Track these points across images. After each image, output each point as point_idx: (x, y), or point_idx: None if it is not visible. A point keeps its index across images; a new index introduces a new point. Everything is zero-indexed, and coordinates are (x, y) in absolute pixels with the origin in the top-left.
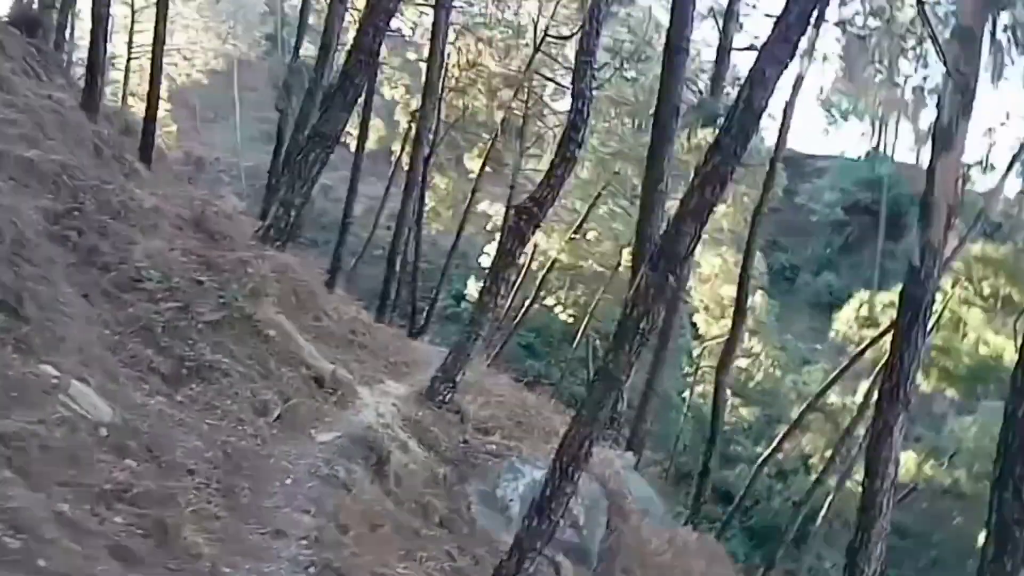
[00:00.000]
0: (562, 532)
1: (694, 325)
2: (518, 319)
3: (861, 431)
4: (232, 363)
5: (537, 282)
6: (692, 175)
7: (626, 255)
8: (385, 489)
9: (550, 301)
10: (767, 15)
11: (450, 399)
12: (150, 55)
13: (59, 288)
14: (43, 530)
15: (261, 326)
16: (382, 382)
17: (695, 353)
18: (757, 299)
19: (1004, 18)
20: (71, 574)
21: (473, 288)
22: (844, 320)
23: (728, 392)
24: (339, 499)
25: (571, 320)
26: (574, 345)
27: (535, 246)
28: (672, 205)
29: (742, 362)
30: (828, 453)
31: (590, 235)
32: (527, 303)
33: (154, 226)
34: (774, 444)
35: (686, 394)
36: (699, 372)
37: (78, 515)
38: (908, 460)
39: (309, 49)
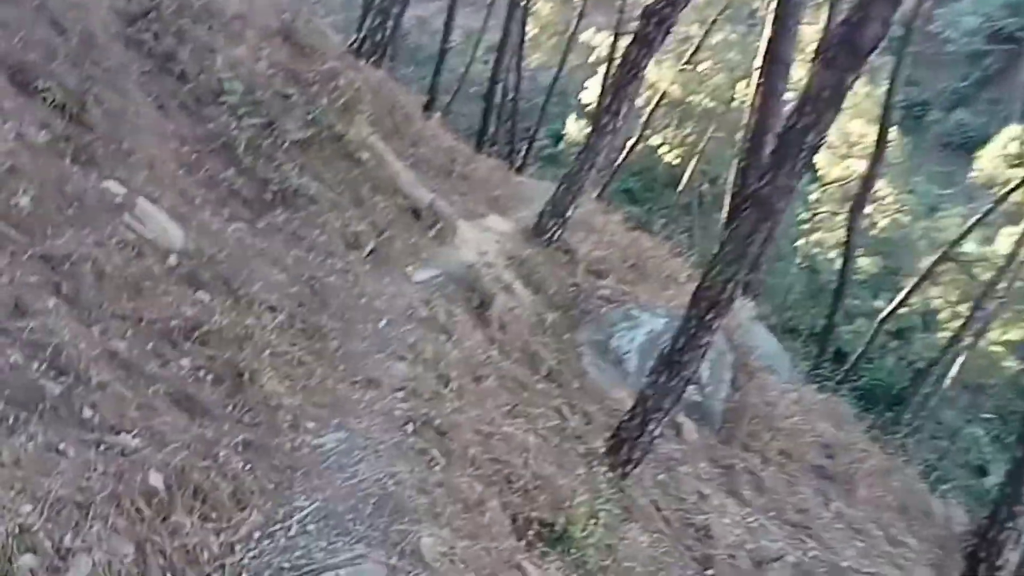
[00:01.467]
0: None
1: (812, 167)
2: (620, 160)
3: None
4: (321, 188)
5: (643, 119)
6: None
7: (740, 88)
8: (488, 335)
9: (655, 140)
10: None
11: (559, 236)
12: None
13: (130, 96)
14: (92, 372)
15: (353, 148)
16: (484, 216)
17: (812, 197)
18: (890, 136)
19: None
20: (122, 427)
21: (573, 127)
22: (989, 158)
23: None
24: (438, 345)
25: (677, 162)
26: (679, 190)
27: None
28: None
29: (866, 207)
30: (960, 308)
31: (702, 67)
32: (631, 143)
33: (238, 34)
34: (900, 298)
35: (800, 243)
36: (816, 218)
37: (136, 355)
38: None
39: None
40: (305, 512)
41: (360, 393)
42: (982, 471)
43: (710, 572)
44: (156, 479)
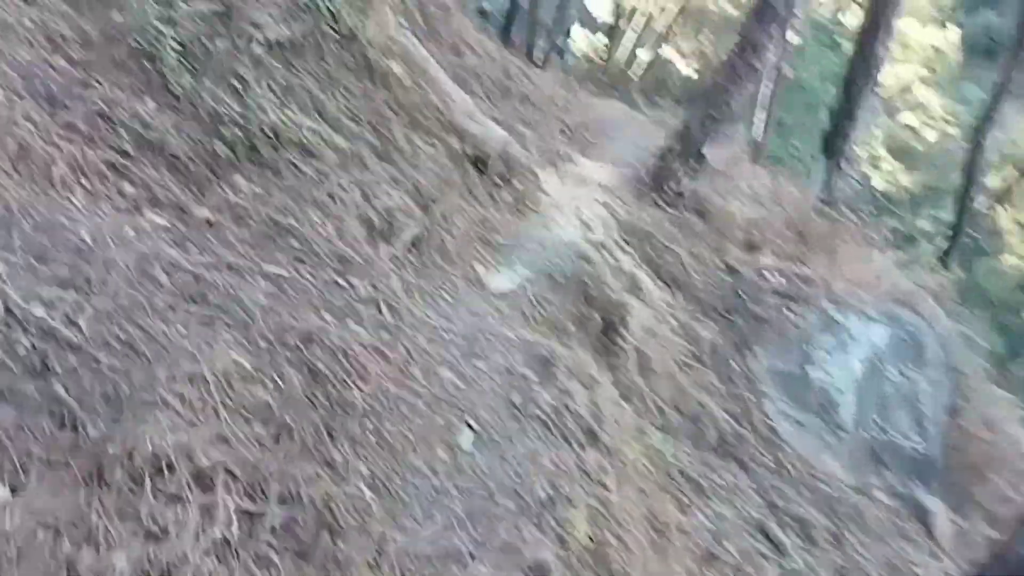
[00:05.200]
0: (901, 431)
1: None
2: (640, 74)
3: None
4: (320, 129)
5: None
6: None
7: None
8: (622, 383)
9: (671, 53)
10: None
11: (688, 191)
12: None
13: None
14: None
15: (375, 55)
16: (570, 159)
17: None
18: (935, 34)
19: None
20: None
21: (580, 36)
22: None
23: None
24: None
25: (695, 76)
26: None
27: None
28: None
29: (910, 118)
30: None
31: None
32: (648, 56)
33: None
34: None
35: None
36: None
37: None
38: None
39: None
40: None
41: None
42: None
43: None
44: None
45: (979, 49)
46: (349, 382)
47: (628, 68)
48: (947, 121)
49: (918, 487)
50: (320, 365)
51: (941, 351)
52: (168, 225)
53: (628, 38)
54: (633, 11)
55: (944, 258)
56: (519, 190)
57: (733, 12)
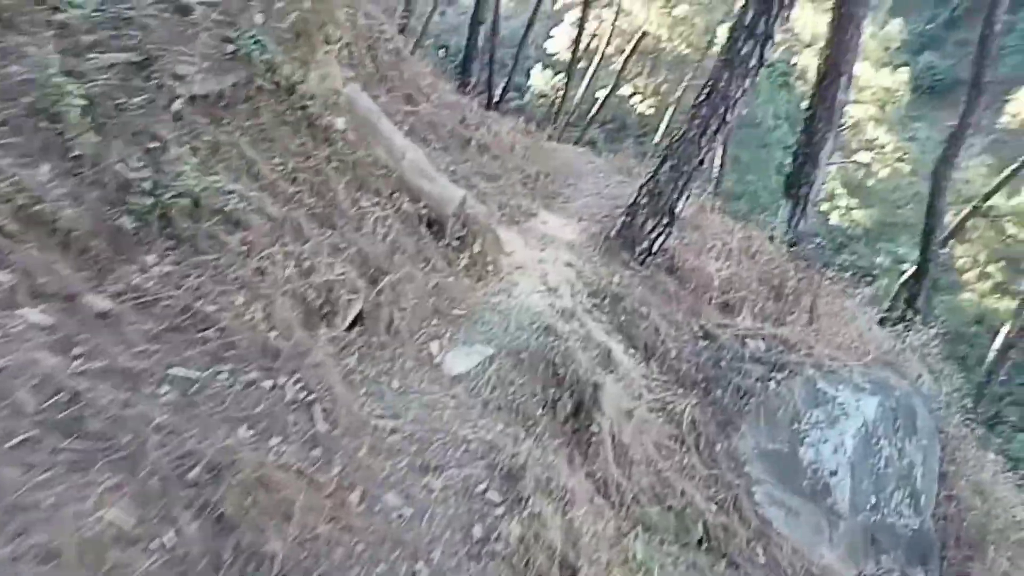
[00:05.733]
0: (897, 510)
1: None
2: (594, 111)
3: None
4: (250, 195)
5: (617, 67)
6: None
7: (723, 32)
8: (598, 479)
9: (626, 91)
10: None
11: (658, 249)
12: None
13: None
14: None
15: (316, 109)
16: (534, 215)
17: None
18: (886, 74)
19: None
20: None
21: (539, 78)
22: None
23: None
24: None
25: (650, 112)
26: (655, 141)
27: (612, 26)
28: None
29: (863, 156)
30: (991, 268)
31: (677, 11)
32: (604, 93)
33: None
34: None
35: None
36: None
37: None
38: None
39: None
40: None
41: None
42: None
43: None
44: None
45: (922, 88)
46: (266, 528)
47: (586, 106)
48: (899, 159)
49: (918, 572)
50: (228, 508)
51: (929, 416)
52: (50, 323)
53: (586, 77)
54: (590, 50)
55: (911, 301)
56: (478, 253)
57: (686, 50)
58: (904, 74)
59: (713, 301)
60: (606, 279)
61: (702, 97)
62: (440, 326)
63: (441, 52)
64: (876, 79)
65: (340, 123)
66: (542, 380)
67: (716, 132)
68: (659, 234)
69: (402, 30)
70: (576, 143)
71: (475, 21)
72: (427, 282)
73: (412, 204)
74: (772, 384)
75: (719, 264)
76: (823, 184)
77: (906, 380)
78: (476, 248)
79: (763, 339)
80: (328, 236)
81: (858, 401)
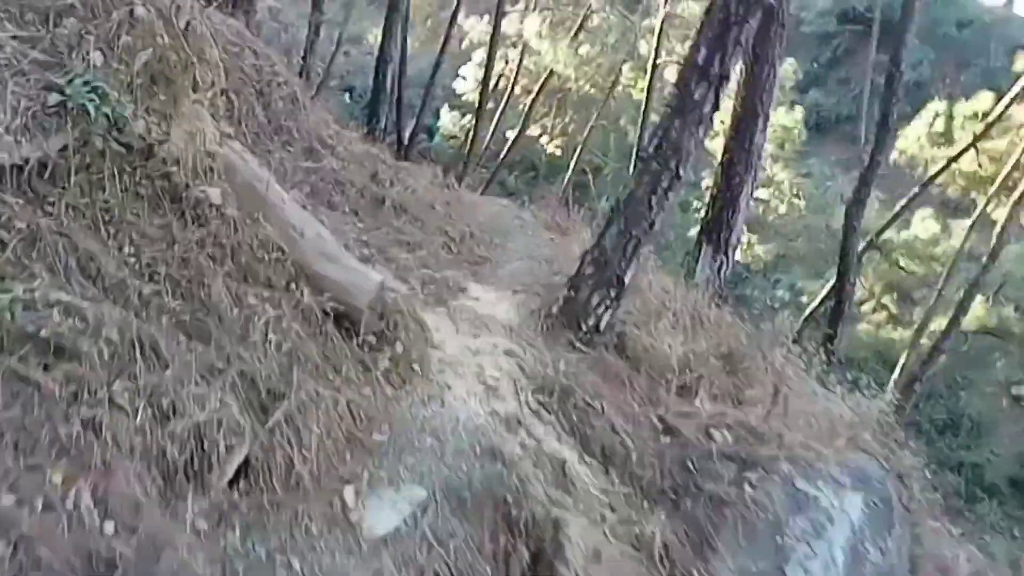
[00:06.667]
0: None
1: None
2: (504, 152)
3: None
4: (82, 305)
5: (524, 108)
6: None
7: (627, 71)
8: None
9: (534, 131)
10: None
11: (605, 325)
12: None
13: None
14: None
15: (183, 179)
16: (463, 289)
17: None
18: (782, 113)
19: None
20: None
21: (447, 119)
22: (913, 138)
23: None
24: None
25: (558, 153)
26: (564, 182)
27: (518, 66)
28: None
29: (761, 192)
30: (887, 300)
31: (582, 50)
32: (513, 134)
33: None
34: (825, 290)
35: None
36: None
37: None
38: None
39: None
40: None
41: None
42: None
43: None
44: None
45: (809, 125)
46: None
47: (496, 147)
48: (795, 195)
49: None
50: None
51: (900, 503)
52: None
53: (494, 118)
54: (498, 90)
55: (829, 344)
56: (401, 353)
57: (591, 91)
58: (799, 112)
59: (671, 384)
60: (551, 368)
61: (651, 150)
62: (355, 463)
63: (347, 96)
64: (775, 118)
65: (215, 195)
66: (490, 528)
67: (668, 190)
68: (606, 308)
69: (301, 72)
70: (487, 185)
71: (381, 60)
72: (337, 402)
73: (314, 296)
74: (748, 488)
75: (670, 340)
76: (743, 228)
77: (876, 461)
78: (398, 347)
79: (728, 427)
80: (199, 354)
81: (841, 502)
